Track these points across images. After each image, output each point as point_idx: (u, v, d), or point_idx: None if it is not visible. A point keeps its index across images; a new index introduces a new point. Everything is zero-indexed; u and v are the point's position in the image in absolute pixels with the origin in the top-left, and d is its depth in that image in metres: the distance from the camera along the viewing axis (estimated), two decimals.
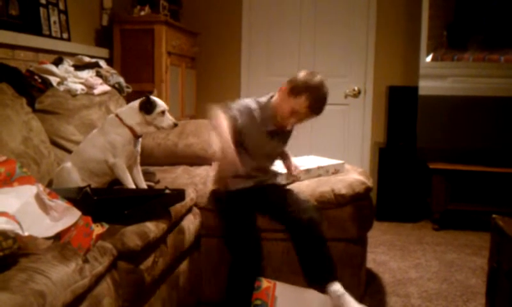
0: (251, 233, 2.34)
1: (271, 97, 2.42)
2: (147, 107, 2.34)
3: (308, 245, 2.30)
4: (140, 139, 2.43)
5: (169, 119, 2.38)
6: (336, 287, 2.18)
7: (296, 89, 2.28)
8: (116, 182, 2.39)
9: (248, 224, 2.36)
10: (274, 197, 2.45)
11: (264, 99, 2.43)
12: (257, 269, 2.29)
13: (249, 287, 2.20)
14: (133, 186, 2.36)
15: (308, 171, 2.75)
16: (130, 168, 2.40)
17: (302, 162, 2.90)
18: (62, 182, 2.29)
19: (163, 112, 2.36)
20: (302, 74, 2.32)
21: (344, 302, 2.15)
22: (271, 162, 2.58)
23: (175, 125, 2.39)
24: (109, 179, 2.39)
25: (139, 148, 2.44)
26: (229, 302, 2.32)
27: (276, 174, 2.59)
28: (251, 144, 2.40)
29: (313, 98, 2.26)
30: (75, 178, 2.30)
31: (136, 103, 2.39)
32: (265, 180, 2.50)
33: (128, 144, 2.35)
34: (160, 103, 2.38)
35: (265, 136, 2.42)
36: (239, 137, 2.33)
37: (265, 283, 2.13)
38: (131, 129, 2.35)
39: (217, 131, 2.21)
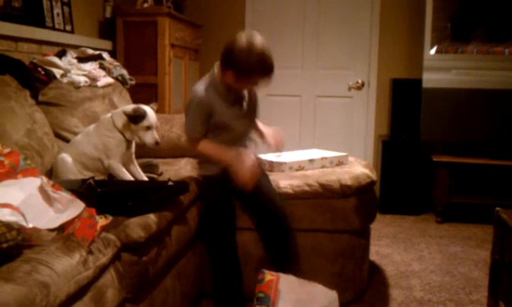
0: (229, 219, 2.41)
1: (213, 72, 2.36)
2: (134, 116, 2.30)
3: (278, 238, 2.37)
4: (134, 142, 2.41)
5: (152, 135, 2.33)
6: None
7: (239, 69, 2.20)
8: (111, 177, 2.39)
9: (225, 210, 2.40)
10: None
11: (207, 77, 2.36)
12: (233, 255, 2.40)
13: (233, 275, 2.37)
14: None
15: (311, 161, 2.75)
16: (127, 165, 2.40)
17: (305, 154, 2.90)
18: (59, 173, 2.30)
19: (148, 128, 2.32)
20: (239, 48, 2.17)
21: None
22: (248, 134, 2.51)
23: (157, 143, 2.35)
24: (99, 175, 2.39)
25: (133, 149, 2.43)
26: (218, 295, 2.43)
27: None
28: (225, 120, 2.35)
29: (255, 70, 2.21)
30: (72, 169, 2.30)
31: (128, 108, 2.37)
32: None
33: (120, 146, 2.34)
34: (150, 118, 2.33)
35: (231, 105, 2.35)
36: (216, 124, 2.34)
37: (268, 275, 2.13)
38: (122, 133, 2.34)
39: (215, 156, 2.35)
